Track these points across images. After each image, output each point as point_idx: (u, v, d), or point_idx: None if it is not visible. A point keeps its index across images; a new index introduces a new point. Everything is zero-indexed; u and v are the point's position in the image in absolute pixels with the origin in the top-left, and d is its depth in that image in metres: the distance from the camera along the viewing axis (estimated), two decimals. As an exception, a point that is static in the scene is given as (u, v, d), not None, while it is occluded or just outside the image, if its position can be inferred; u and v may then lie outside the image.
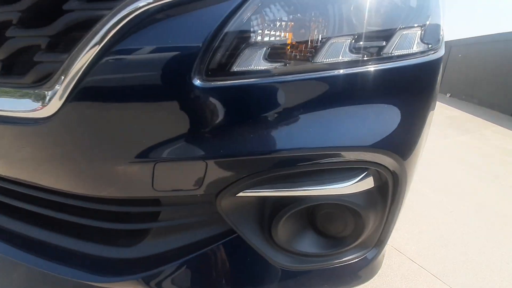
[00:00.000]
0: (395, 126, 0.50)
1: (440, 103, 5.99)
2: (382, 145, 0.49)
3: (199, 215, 0.58)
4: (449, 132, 3.61)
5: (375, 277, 1.14)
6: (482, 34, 6.63)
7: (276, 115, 0.45)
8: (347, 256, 0.63)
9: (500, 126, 4.34)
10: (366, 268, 0.66)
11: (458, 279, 1.18)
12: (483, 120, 4.64)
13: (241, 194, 0.52)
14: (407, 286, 1.11)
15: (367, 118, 0.48)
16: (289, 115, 0.46)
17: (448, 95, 7.35)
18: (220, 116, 0.44)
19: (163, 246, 0.60)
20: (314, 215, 0.61)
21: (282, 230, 0.57)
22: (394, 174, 0.55)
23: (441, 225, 1.55)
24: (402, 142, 0.52)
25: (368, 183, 0.54)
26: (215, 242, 0.58)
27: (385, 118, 0.49)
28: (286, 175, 0.52)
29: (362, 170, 0.53)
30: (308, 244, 0.61)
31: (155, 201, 0.57)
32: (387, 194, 0.58)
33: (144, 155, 0.45)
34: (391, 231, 0.67)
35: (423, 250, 1.33)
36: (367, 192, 0.57)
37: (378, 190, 0.58)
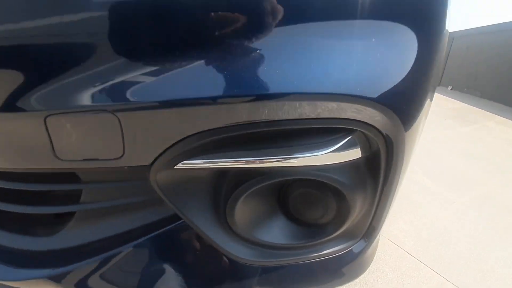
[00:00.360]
0: (391, 69, 0.36)
1: (441, 95, 5.85)
2: (372, 95, 0.35)
3: (133, 195, 0.45)
4: (451, 124, 3.47)
5: (369, 272, 1.02)
6: (485, 25, 6.44)
7: (221, 42, 0.31)
8: (327, 249, 0.50)
9: (504, 117, 4.20)
10: (352, 264, 0.53)
11: (460, 275, 1.05)
12: (486, 112, 4.50)
13: (181, 165, 0.38)
14: (405, 282, 0.98)
15: (352, 54, 0.34)
16: (241, 44, 0.32)
17: (449, 87, 7.19)
18: (134, 39, 0.30)
19: (88, 236, 0.46)
20: (284, 196, 0.47)
21: (241, 214, 0.44)
22: (388, 141, 0.41)
23: (442, 217, 1.42)
24: (400, 95, 0.38)
25: (353, 152, 0.40)
26: (154, 231, 0.45)
27: (377, 57, 0.35)
28: (241, 138, 0.38)
29: (345, 133, 0.39)
30: (277, 233, 0.47)
31: (72, 177, 0.43)
32: (379, 168, 0.44)
33: (27, 103, 0.31)
34: (385, 219, 0.53)
35: (423, 244, 1.20)
36: (353, 164, 0.43)
37: (367, 162, 0.44)
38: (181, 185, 0.42)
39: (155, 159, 0.38)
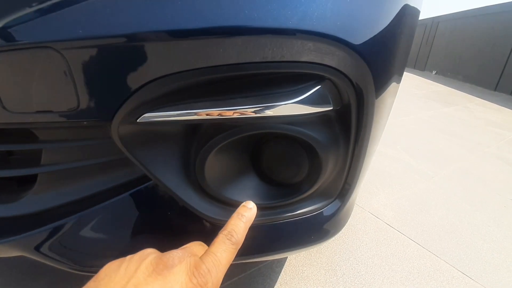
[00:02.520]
0: (371, 19, 0.35)
1: (426, 79, 5.95)
2: (352, 41, 0.34)
3: (97, 156, 0.43)
4: (433, 105, 3.55)
5: (349, 242, 1.04)
6: (469, 8, 6.51)
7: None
8: (301, 209, 0.50)
9: (484, 99, 4.33)
10: (327, 224, 0.53)
11: (437, 242, 1.10)
12: (467, 95, 4.62)
13: (144, 118, 0.36)
14: (383, 251, 1.02)
15: None
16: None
17: (434, 72, 7.32)
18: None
19: (52, 201, 0.44)
20: (256, 154, 0.46)
21: (212, 172, 0.43)
22: (358, 93, 0.40)
23: (421, 190, 1.47)
24: (369, 39, 0.37)
25: (323, 104, 0.39)
26: (122, 193, 0.43)
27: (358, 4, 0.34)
28: (204, 88, 0.36)
29: (316, 81, 0.38)
30: (249, 192, 0.47)
31: (26, 134, 0.41)
32: (350, 124, 0.44)
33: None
34: (358, 180, 0.54)
35: (402, 215, 1.24)
36: (324, 118, 0.42)
37: (338, 117, 0.43)
38: (147, 141, 0.40)
39: (115, 112, 0.36)
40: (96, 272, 0.27)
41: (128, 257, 0.26)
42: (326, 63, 0.35)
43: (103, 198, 0.44)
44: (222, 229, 0.29)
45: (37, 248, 0.44)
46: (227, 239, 0.28)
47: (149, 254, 0.26)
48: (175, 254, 0.26)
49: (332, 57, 0.35)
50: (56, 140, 0.41)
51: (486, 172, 1.78)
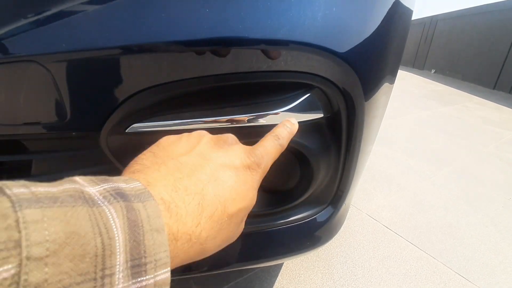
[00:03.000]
0: (347, 18, 0.35)
1: (424, 78, 5.95)
2: (338, 49, 0.34)
3: (88, 165, 0.43)
4: (432, 104, 3.54)
5: (346, 245, 1.04)
6: (467, 7, 6.50)
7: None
8: (294, 216, 0.50)
9: (483, 98, 4.33)
10: (320, 230, 0.53)
11: (435, 244, 1.10)
12: (466, 93, 4.62)
13: (133, 129, 0.36)
14: (381, 254, 1.01)
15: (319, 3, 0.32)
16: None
17: (432, 71, 7.31)
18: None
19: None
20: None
21: (202, 181, 0.43)
22: (347, 100, 0.40)
23: (419, 191, 1.47)
24: (356, 46, 0.37)
25: (313, 111, 0.39)
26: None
27: (344, 11, 0.34)
28: (193, 98, 0.36)
29: (305, 90, 0.38)
30: (241, 200, 0.46)
31: (17, 145, 0.41)
32: (341, 131, 0.44)
33: None
34: (351, 186, 0.54)
35: (399, 217, 1.24)
36: (314, 126, 0.42)
37: (328, 123, 0.43)
38: (137, 151, 0.40)
39: (103, 123, 0.36)
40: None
41: (185, 134, 0.26)
42: (313, 72, 0.35)
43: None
44: (269, 133, 0.29)
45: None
46: (275, 139, 0.29)
47: (206, 133, 0.26)
48: (231, 136, 0.27)
49: (319, 66, 0.35)
50: (46, 150, 0.41)
51: (485, 171, 1.78)
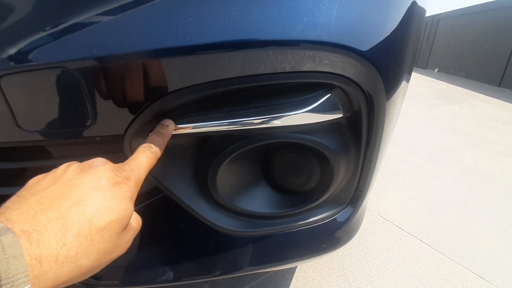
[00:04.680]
0: (368, 16, 0.35)
1: (428, 77, 5.91)
2: (361, 48, 0.34)
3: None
4: (437, 103, 3.52)
5: (359, 246, 1.03)
6: (469, 5, 6.48)
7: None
8: (313, 217, 0.49)
9: (488, 96, 4.29)
10: (339, 231, 0.53)
11: (449, 244, 1.08)
12: (471, 91, 4.58)
13: (156, 132, 0.37)
14: (395, 255, 1.00)
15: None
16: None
17: (436, 70, 7.27)
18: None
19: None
20: (268, 163, 0.46)
21: (224, 183, 0.43)
22: (369, 99, 0.40)
23: (430, 190, 1.45)
24: (386, 53, 0.37)
25: (334, 111, 0.39)
26: (136, 205, 0.43)
27: (366, 9, 0.34)
28: (215, 100, 0.36)
29: (326, 90, 0.38)
30: (261, 202, 0.46)
31: (41, 151, 0.41)
32: (361, 130, 0.44)
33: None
34: (370, 185, 0.53)
35: (412, 217, 1.23)
36: (334, 126, 0.42)
37: (349, 124, 0.43)
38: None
39: (128, 127, 0.36)
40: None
41: (52, 170, 0.28)
42: (335, 72, 0.35)
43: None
44: (142, 144, 0.32)
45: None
46: (146, 149, 0.31)
47: (74, 163, 0.28)
48: (99, 159, 0.28)
49: (341, 65, 0.35)
50: (70, 155, 0.41)
51: (495, 169, 1.76)
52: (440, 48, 7.22)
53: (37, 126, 0.35)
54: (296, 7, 0.31)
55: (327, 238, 0.53)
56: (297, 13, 0.31)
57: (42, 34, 0.28)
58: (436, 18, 7.33)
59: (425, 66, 7.73)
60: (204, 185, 0.43)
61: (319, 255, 0.54)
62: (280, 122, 0.37)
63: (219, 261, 0.48)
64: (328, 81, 0.36)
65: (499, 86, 5.31)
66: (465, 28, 6.45)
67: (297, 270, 0.91)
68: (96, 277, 0.45)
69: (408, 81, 0.52)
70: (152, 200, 0.44)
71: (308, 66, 0.33)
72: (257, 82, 0.34)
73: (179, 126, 0.36)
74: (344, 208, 0.52)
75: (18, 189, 0.43)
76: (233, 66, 0.32)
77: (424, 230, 1.15)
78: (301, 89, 0.37)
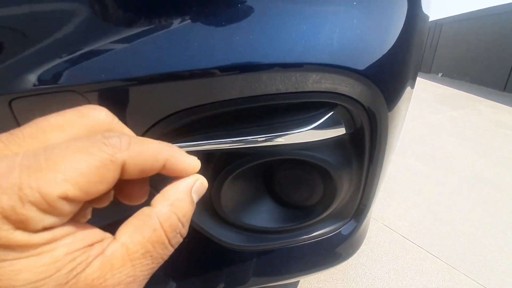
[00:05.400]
0: (377, 41, 0.36)
1: (432, 82, 5.89)
2: (359, 67, 0.34)
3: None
4: (442, 108, 3.50)
5: (363, 256, 1.03)
6: (473, 10, 6.48)
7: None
8: (317, 231, 0.49)
9: (493, 101, 4.26)
10: (343, 245, 0.53)
11: (454, 254, 1.07)
12: (476, 96, 4.56)
13: (161, 150, 0.37)
14: (400, 265, 0.99)
15: (337, 21, 0.33)
16: (211, 12, 0.31)
17: (440, 74, 7.25)
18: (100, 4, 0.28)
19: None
20: (270, 179, 0.47)
21: (227, 198, 0.43)
22: (371, 115, 0.40)
23: (435, 199, 1.44)
24: (385, 70, 0.37)
25: (336, 128, 0.40)
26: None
27: (363, 27, 0.34)
28: (219, 119, 0.37)
29: (328, 108, 0.38)
30: (264, 216, 0.47)
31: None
32: (364, 146, 0.44)
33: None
34: (373, 198, 0.53)
35: (416, 226, 1.22)
36: (337, 142, 0.42)
37: (351, 140, 0.43)
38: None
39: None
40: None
41: None
42: (336, 91, 0.36)
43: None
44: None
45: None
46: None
47: None
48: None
49: (341, 85, 0.35)
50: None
51: (500, 177, 1.74)
52: (444, 53, 7.20)
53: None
54: (301, 32, 0.31)
55: (331, 252, 0.53)
56: (301, 37, 0.31)
57: (53, 60, 0.29)
58: (439, 23, 7.33)
59: (429, 70, 7.71)
60: (208, 200, 0.43)
61: (322, 269, 0.54)
62: (283, 140, 0.38)
63: (222, 275, 0.48)
64: (330, 100, 0.37)
65: (504, 90, 5.28)
66: (468, 33, 6.44)
67: (301, 281, 0.90)
68: None
69: (412, 86, 0.52)
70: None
71: (310, 86, 0.34)
72: (260, 102, 0.34)
73: (183, 144, 0.37)
74: (347, 222, 0.52)
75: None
76: (238, 87, 0.33)
77: (429, 240, 1.13)
78: (304, 108, 0.38)
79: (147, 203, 0.18)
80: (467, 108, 3.63)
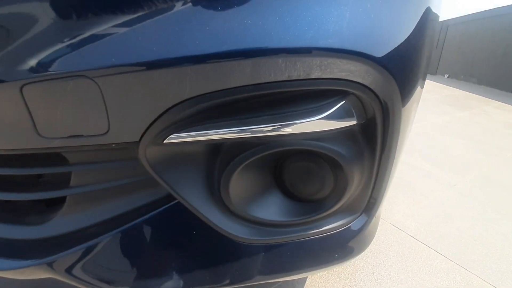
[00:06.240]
0: (394, 29, 0.35)
1: (438, 83, 5.84)
2: (376, 54, 0.33)
3: (124, 177, 0.43)
4: (449, 109, 3.46)
5: (371, 256, 1.01)
6: (479, 11, 6.42)
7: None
8: (327, 225, 0.48)
9: (501, 102, 4.19)
10: (353, 240, 0.52)
11: (465, 255, 1.04)
12: (483, 97, 4.50)
13: (171, 139, 0.37)
14: (409, 265, 0.97)
15: (340, 4, 0.32)
16: None
17: (446, 76, 7.18)
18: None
19: (81, 222, 0.45)
20: (280, 171, 0.46)
21: (236, 191, 0.43)
22: (384, 105, 0.39)
23: (444, 199, 1.41)
24: (394, 49, 0.36)
25: (347, 118, 0.39)
26: (148, 213, 0.44)
27: (381, 14, 0.34)
28: (230, 108, 0.37)
29: (340, 97, 0.38)
30: (274, 210, 0.46)
31: (60, 158, 0.42)
32: (376, 137, 0.43)
33: (2, 73, 0.29)
34: (384, 193, 0.52)
35: (425, 226, 1.19)
36: (348, 133, 0.42)
37: (363, 131, 0.42)
38: (173, 162, 0.41)
39: (143, 134, 0.37)
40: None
41: None
42: (350, 79, 0.35)
43: (129, 219, 0.44)
44: None
45: (64, 270, 0.44)
46: None
47: None
48: None
49: (356, 72, 0.34)
50: (85, 162, 0.42)
51: (510, 178, 1.70)
52: (450, 54, 7.13)
53: (56, 134, 0.35)
54: (313, 15, 0.31)
55: (341, 248, 0.52)
56: (314, 20, 0.31)
57: (63, 44, 0.29)
58: (445, 24, 7.27)
59: (435, 72, 7.64)
60: (216, 192, 0.43)
61: (332, 265, 0.53)
62: (294, 129, 0.37)
63: (230, 269, 0.47)
64: (343, 88, 0.36)
65: (511, 92, 5.20)
66: (475, 34, 6.37)
67: (308, 280, 0.89)
68: (106, 281, 0.45)
69: (422, 86, 0.51)
70: (164, 208, 0.44)
71: (324, 73, 0.33)
72: (271, 89, 0.34)
73: (192, 133, 0.37)
74: (358, 217, 0.51)
75: (36, 195, 0.44)
76: (249, 73, 0.32)
77: (439, 240, 1.11)
78: (315, 96, 0.37)
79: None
80: (475, 109, 3.58)
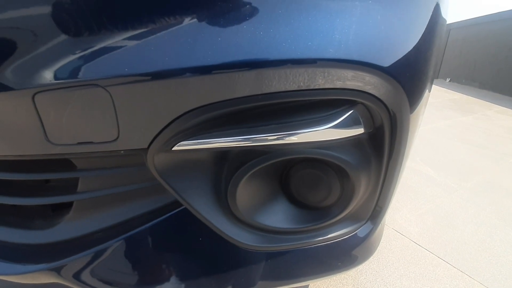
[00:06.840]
0: (401, 38, 0.35)
1: (440, 87, 5.84)
2: (383, 64, 0.34)
3: (131, 183, 0.43)
4: (451, 114, 3.46)
5: (374, 262, 1.00)
6: (481, 15, 6.43)
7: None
8: (333, 233, 0.48)
9: (503, 106, 4.19)
10: (359, 247, 0.52)
11: (469, 261, 1.04)
12: (485, 102, 4.49)
13: (179, 146, 0.37)
14: (412, 271, 0.97)
15: (360, 15, 0.32)
16: (233, 7, 0.30)
17: (448, 79, 7.18)
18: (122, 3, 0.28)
19: (88, 227, 0.45)
20: (287, 179, 0.46)
21: (243, 198, 0.43)
22: (392, 113, 0.40)
23: (446, 204, 1.41)
24: (409, 68, 0.37)
25: (355, 127, 0.39)
26: (155, 219, 0.44)
27: (388, 23, 0.34)
28: (239, 116, 0.37)
29: (348, 106, 0.38)
30: (280, 217, 0.46)
31: (67, 164, 0.42)
32: (383, 145, 0.43)
33: (13, 80, 0.30)
34: (390, 200, 0.52)
35: (428, 232, 1.19)
36: (356, 141, 0.42)
37: (370, 139, 0.43)
38: (180, 168, 0.41)
39: (152, 141, 0.37)
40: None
41: None
42: (359, 89, 0.35)
43: (136, 224, 0.44)
44: None
45: (70, 275, 0.44)
46: None
47: None
48: None
49: (364, 82, 0.35)
50: (93, 168, 0.42)
51: (511, 183, 1.70)
52: (452, 58, 7.14)
53: (65, 140, 0.35)
54: (321, 26, 0.31)
55: (346, 255, 0.52)
56: (321, 32, 0.31)
57: (77, 54, 0.29)
58: (448, 28, 7.28)
59: (437, 75, 7.65)
60: (223, 199, 0.43)
61: (336, 272, 0.53)
62: (302, 139, 0.37)
63: (235, 276, 0.47)
64: (352, 98, 0.36)
65: (514, 96, 5.19)
66: (477, 38, 6.38)
67: (310, 285, 0.89)
68: (109, 283, 0.45)
69: (430, 90, 0.51)
70: (171, 214, 0.44)
71: (333, 83, 0.33)
72: (280, 99, 0.34)
73: (200, 141, 0.37)
74: (363, 224, 0.51)
75: (43, 200, 0.44)
76: (258, 83, 0.32)
77: (442, 246, 1.11)
78: (323, 105, 0.37)
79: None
80: (477, 113, 3.58)
